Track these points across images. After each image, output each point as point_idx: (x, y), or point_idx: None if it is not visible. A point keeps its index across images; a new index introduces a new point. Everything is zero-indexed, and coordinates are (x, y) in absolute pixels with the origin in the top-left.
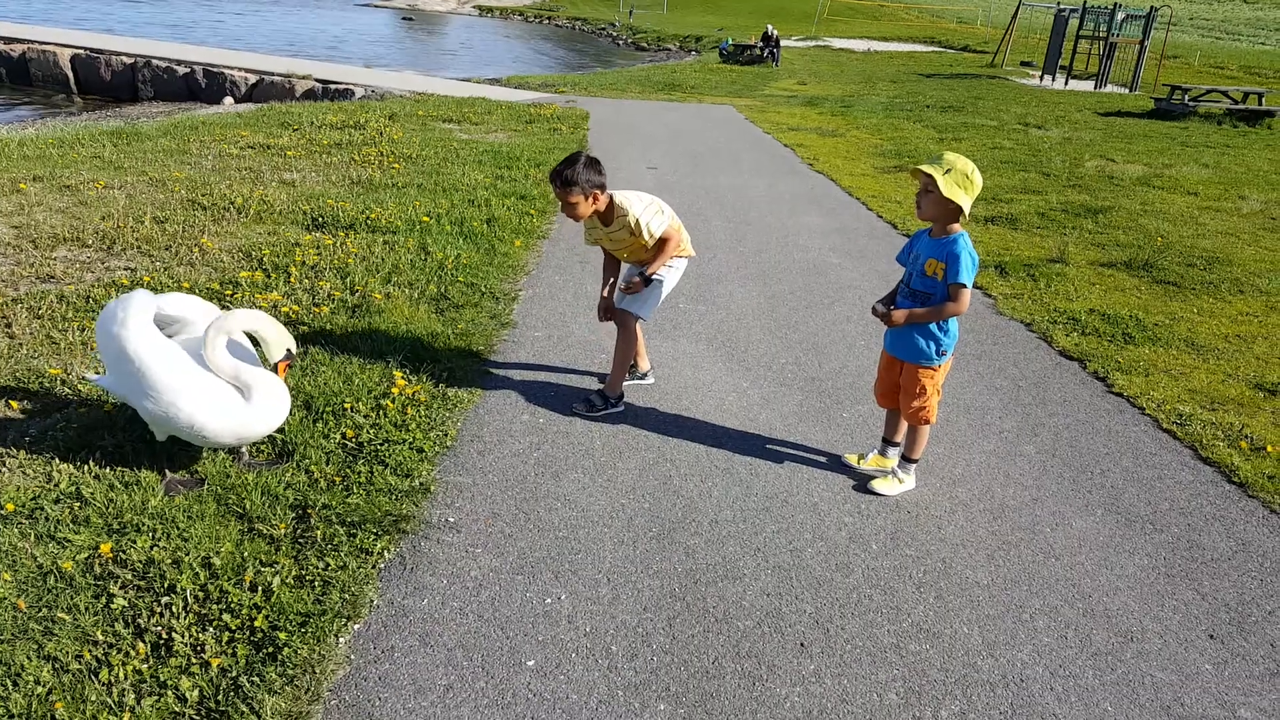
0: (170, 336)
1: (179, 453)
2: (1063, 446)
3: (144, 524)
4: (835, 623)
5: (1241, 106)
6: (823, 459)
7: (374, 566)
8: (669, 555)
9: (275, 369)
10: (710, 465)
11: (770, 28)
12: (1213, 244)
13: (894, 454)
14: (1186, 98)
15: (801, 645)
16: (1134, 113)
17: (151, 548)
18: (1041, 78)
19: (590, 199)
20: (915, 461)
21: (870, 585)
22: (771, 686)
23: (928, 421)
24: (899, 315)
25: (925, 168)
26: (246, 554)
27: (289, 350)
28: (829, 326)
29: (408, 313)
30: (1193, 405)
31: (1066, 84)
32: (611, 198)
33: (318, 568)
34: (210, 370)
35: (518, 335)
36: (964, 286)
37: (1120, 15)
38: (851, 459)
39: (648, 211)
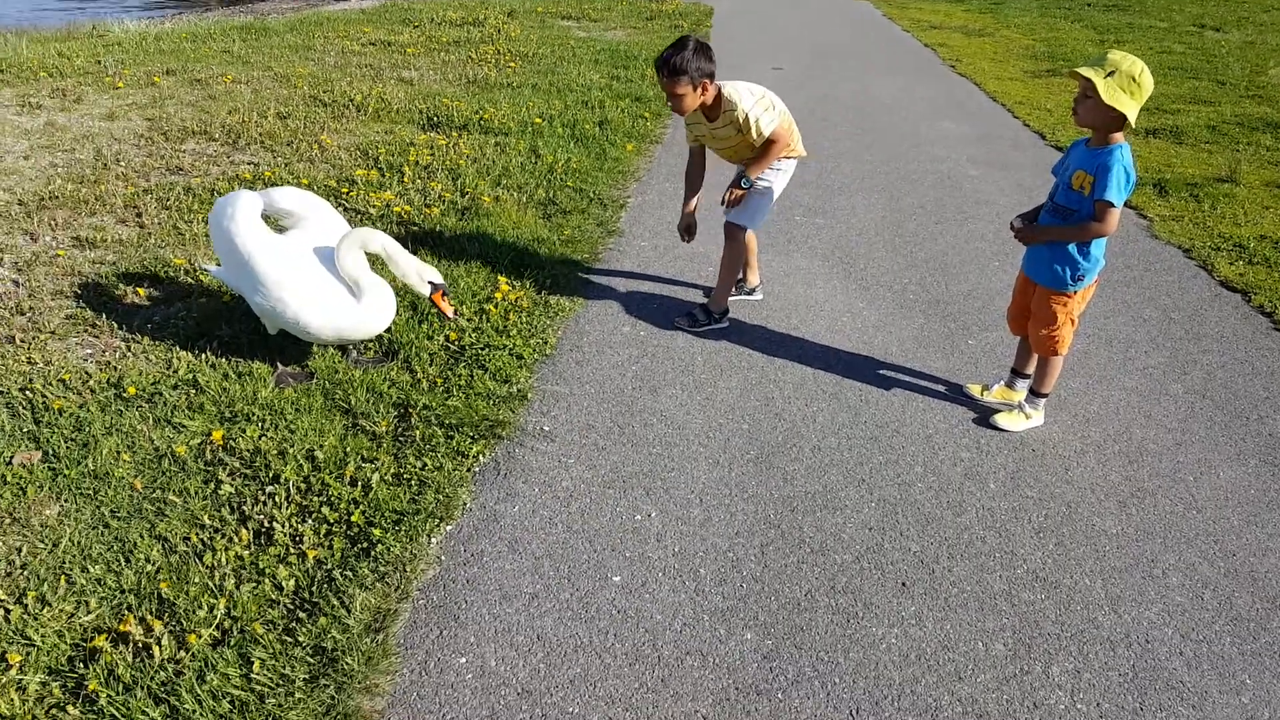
0: (283, 231)
1: (290, 346)
2: (1215, 387)
3: (254, 414)
4: (942, 564)
5: None
6: (942, 388)
7: (469, 470)
8: (766, 480)
9: (431, 301)
10: (817, 389)
11: None
12: None
13: (1022, 386)
14: None
15: (903, 585)
16: None
17: (260, 437)
18: None
19: (699, 90)
20: (1045, 396)
21: (984, 526)
22: (867, 625)
23: (1056, 353)
24: (1032, 231)
25: (1084, 70)
26: (349, 449)
27: (434, 283)
28: (960, 244)
29: (515, 217)
30: None
31: None
32: (720, 89)
33: (415, 467)
34: (323, 269)
35: (623, 244)
36: (1111, 205)
37: None
38: (975, 389)
39: (758, 106)
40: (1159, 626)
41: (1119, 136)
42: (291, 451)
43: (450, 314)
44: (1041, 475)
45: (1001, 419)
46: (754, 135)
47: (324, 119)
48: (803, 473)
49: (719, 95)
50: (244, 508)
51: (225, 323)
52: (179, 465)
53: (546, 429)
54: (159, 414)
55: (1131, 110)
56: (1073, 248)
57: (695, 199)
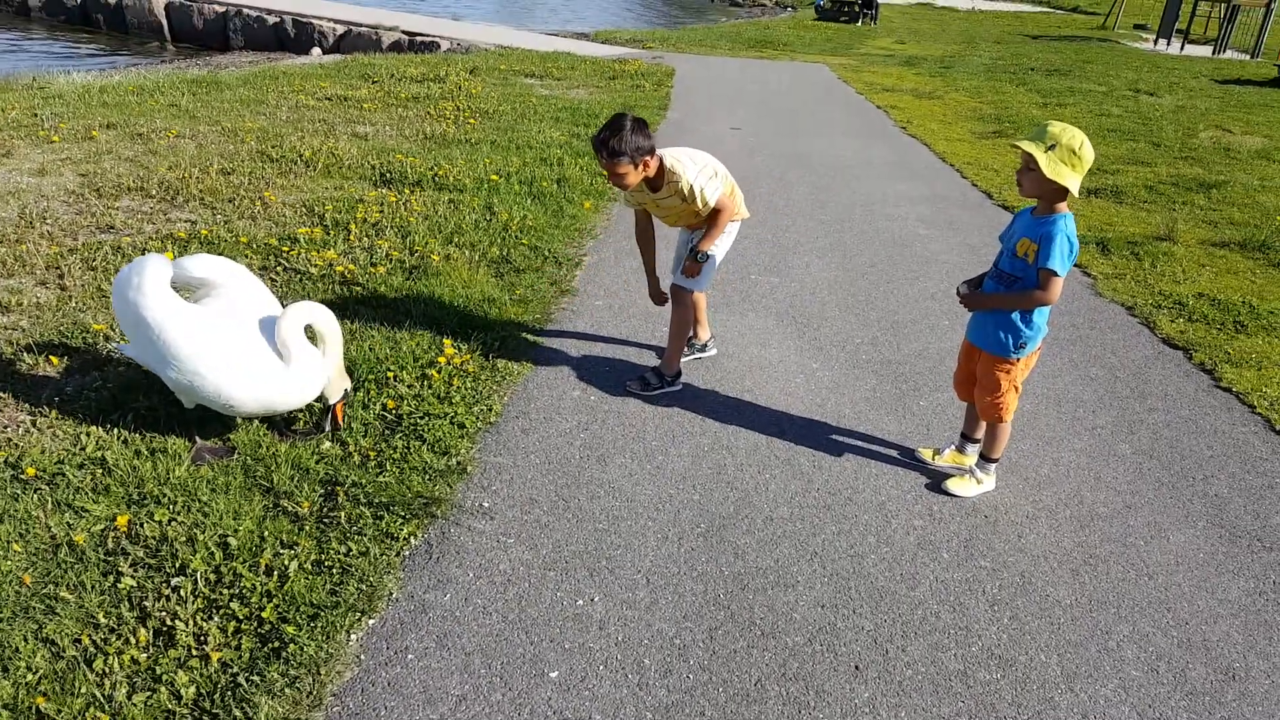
0: (197, 300)
1: (212, 419)
2: (1162, 447)
3: (165, 495)
4: (895, 643)
5: None
6: (894, 452)
7: (398, 554)
8: (716, 556)
9: (332, 408)
10: (770, 455)
11: None
12: None
13: (972, 450)
14: None
15: (856, 669)
16: (1256, 81)
17: (169, 522)
18: (1156, 41)
19: (640, 166)
20: (995, 461)
21: (938, 601)
22: (818, 715)
23: (1001, 419)
24: (976, 299)
25: (1025, 144)
26: (267, 533)
27: (346, 391)
28: (911, 304)
29: (466, 276)
30: None
31: (1183, 49)
32: (661, 160)
33: (339, 553)
34: (244, 335)
35: (577, 303)
36: (1054, 274)
37: None
38: (926, 454)
39: (701, 175)
40: (1115, 704)
41: (1063, 206)
42: (202, 538)
43: (332, 429)
44: (994, 543)
45: (953, 485)
46: (699, 205)
47: (270, 175)
48: (754, 546)
49: (661, 166)
50: (145, 603)
51: (144, 394)
52: (77, 556)
53: (486, 505)
54: (60, 497)
55: (1073, 182)
56: (1016, 315)
57: (655, 262)
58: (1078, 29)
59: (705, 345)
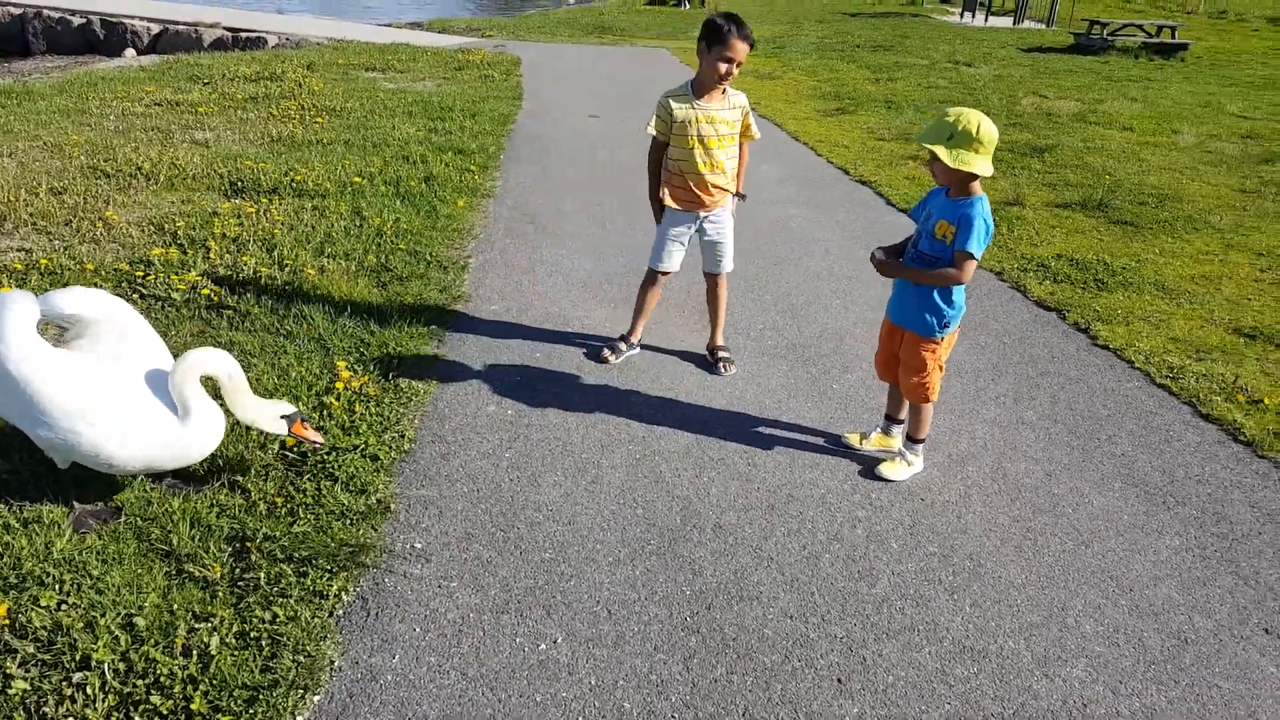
0: (68, 341)
1: (91, 477)
2: (1062, 410)
3: (49, 574)
4: (870, 648)
5: (1156, 40)
6: (821, 440)
7: (331, 614)
8: (674, 574)
9: (295, 436)
10: (703, 456)
11: None
12: (1159, 180)
13: (897, 432)
14: (1105, 32)
15: (839, 681)
16: (1055, 48)
17: (58, 606)
18: (961, 15)
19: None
20: (922, 441)
21: (899, 596)
22: None
23: (928, 399)
24: (894, 267)
25: (926, 144)
26: (176, 606)
27: (287, 416)
28: (801, 284)
29: (346, 288)
30: (1180, 356)
31: (987, 21)
32: None
33: (264, 620)
34: (127, 385)
35: (472, 309)
36: (971, 256)
37: None
38: (853, 439)
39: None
40: (1089, 684)
41: (977, 187)
42: (102, 621)
43: (319, 440)
44: (937, 526)
45: (885, 469)
46: (751, 129)
47: (108, 191)
48: (710, 559)
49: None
50: (45, 710)
51: (2, 456)
52: None
53: (419, 546)
54: None
55: (981, 165)
56: (938, 297)
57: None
58: (890, 7)
59: (635, 347)
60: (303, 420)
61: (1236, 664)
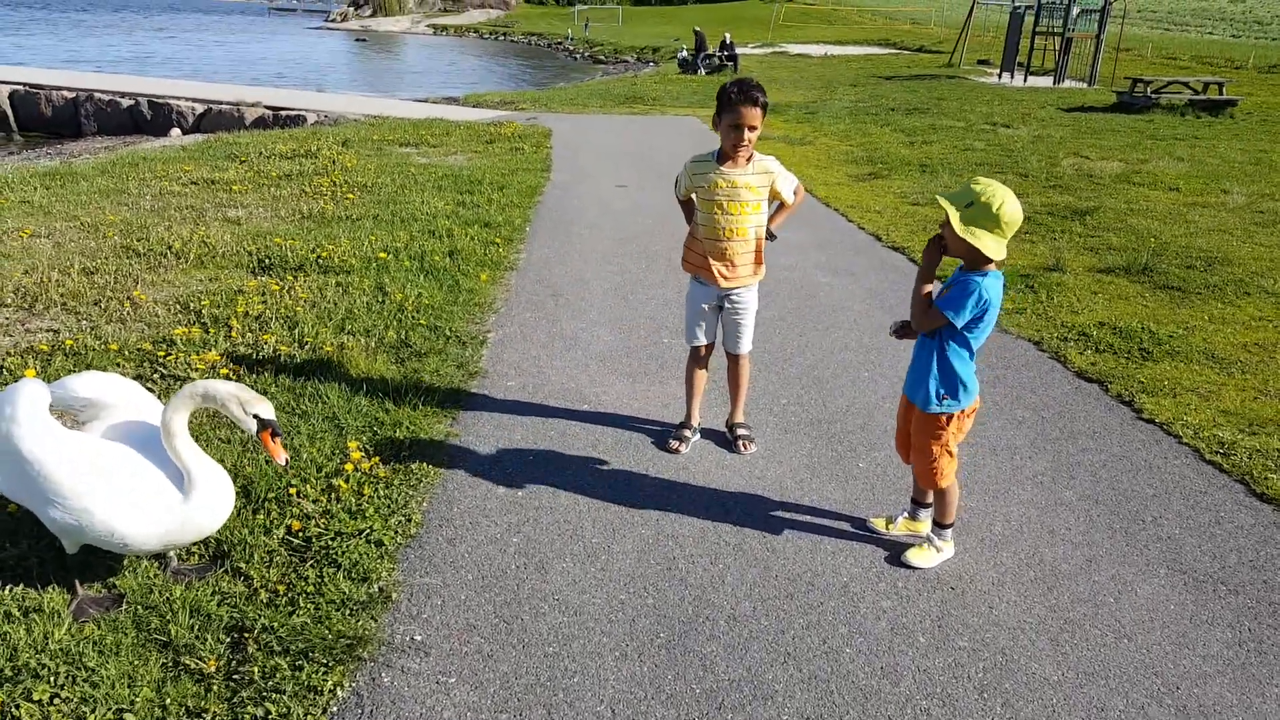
0: (83, 424)
1: (97, 561)
2: (1104, 490)
3: (44, 666)
4: None
5: (1203, 97)
6: (845, 525)
7: (324, 711)
8: (684, 670)
9: (260, 441)
10: (719, 541)
11: (727, 36)
12: (1207, 242)
13: (925, 516)
14: (1149, 90)
15: None
16: (1097, 107)
17: (51, 700)
18: (1000, 75)
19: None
20: (950, 526)
21: (925, 695)
22: None
23: (938, 486)
24: (908, 330)
25: (942, 202)
26: (169, 700)
27: (260, 418)
28: (828, 356)
29: (364, 365)
30: (1231, 430)
31: (1025, 81)
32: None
33: (255, 717)
34: (138, 463)
35: (488, 385)
36: (947, 318)
37: (1075, 10)
38: (879, 524)
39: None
40: None
41: (991, 268)
42: (93, 717)
43: (282, 460)
44: (967, 618)
45: (913, 556)
46: (789, 196)
47: (138, 270)
48: (722, 654)
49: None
50: None
51: (10, 540)
52: None
53: (419, 639)
54: None
55: (990, 245)
56: (935, 363)
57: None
58: (926, 68)
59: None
60: (274, 433)
61: None
